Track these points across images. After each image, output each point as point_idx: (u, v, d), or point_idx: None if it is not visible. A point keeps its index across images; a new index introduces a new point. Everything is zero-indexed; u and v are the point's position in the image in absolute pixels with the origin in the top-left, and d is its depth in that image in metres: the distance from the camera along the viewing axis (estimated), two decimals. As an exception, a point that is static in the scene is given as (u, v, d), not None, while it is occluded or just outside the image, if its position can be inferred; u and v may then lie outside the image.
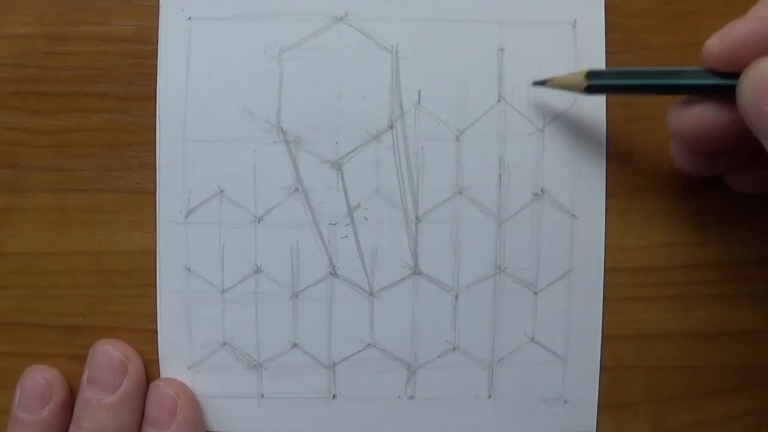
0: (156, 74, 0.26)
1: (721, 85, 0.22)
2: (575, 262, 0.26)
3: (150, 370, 0.27)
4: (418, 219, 0.26)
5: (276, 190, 0.26)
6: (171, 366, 0.27)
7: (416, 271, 0.27)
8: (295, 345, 0.27)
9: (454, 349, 0.27)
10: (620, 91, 0.25)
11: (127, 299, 0.27)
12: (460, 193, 0.26)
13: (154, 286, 0.27)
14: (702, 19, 0.26)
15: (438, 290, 0.27)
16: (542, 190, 0.26)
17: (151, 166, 0.26)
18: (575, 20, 0.26)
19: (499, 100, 0.26)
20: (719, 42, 0.21)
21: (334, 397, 0.27)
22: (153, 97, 0.26)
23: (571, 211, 0.26)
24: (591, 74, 0.24)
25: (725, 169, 0.25)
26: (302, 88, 0.26)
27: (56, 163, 0.27)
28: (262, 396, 0.27)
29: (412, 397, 0.27)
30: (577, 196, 0.26)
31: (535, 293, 0.27)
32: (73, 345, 0.27)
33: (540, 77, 0.26)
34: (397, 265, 0.27)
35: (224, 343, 0.27)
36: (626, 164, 0.27)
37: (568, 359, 0.27)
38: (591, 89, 0.24)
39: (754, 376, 0.27)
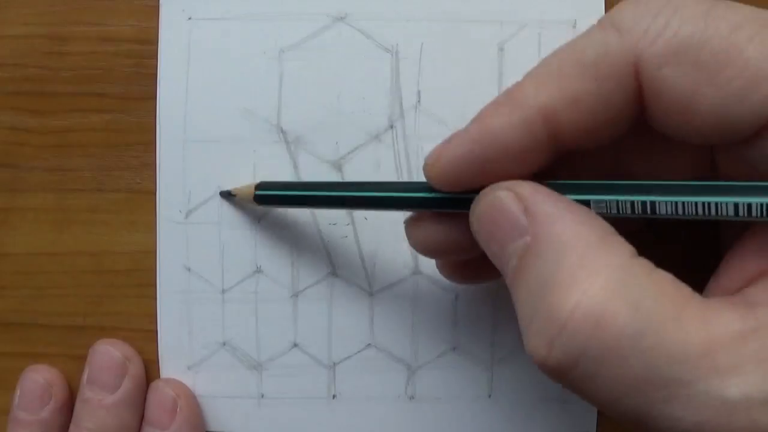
0: (156, 74, 0.26)
1: (446, 202, 0.20)
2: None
3: (150, 370, 0.27)
4: (418, 219, 0.26)
5: (276, 190, 0.26)
6: (171, 366, 0.27)
7: (416, 271, 0.27)
8: (295, 345, 0.27)
9: (454, 349, 0.27)
10: (293, 204, 0.25)
11: (127, 299, 0.27)
12: (460, 193, 0.26)
13: (154, 286, 0.27)
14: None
15: (438, 290, 0.27)
16: (542, 190, 0.26)
17: (151, 166, 0.26)
18: (575, 20, 0.26)
19: (499, 100, 0.26)
20: (433, 164, 0.20)
21: (334, 397, 0.27)
22: (153, 97, 0.26)
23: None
24: (260, 186, 0.24)
25: (491, 278, 0.23)
26: (302, 88, 0.26)
27: (56, 163, 0.27)
28: (262, 396, 0.27)
29: (412, 397, 0.27)
30: (577, 196, 0.26)
31: (535, 293, 0.27)
32: (73, 345, 0.27)
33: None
34: (397, 265, 0.27)
35: (224, 343, 0.27)
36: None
37: (568, 359, 0.27)
38: (258, 199, 0.24)
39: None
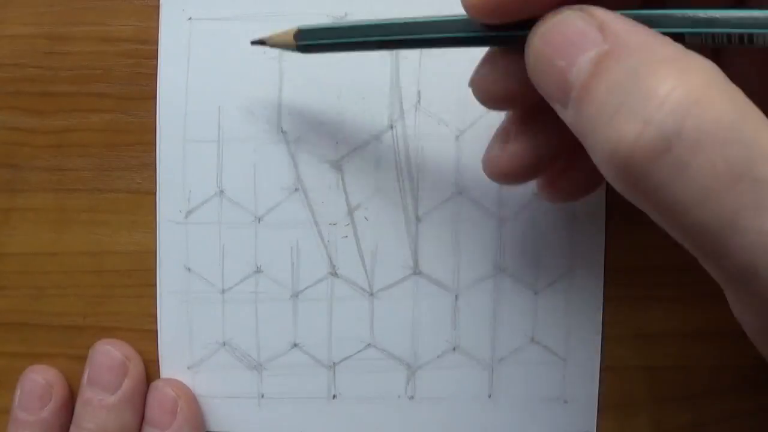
0: (156, 74, 0.26)
1: (486, 38, 0.19)
2: (575, 262, 0.26)
3: (150, 370, 0.27)
4: (418, 219, 0.26)
5: (276, 190, 0.26)
6: (171, 366, 0.27)
7: (416, 271, 0.27)
8: (295, 345, 0.27)
9: (454, 349, 0.27)
10: (342, 48, 0.23)
11: (127, 299, 0.27)
12: (460, 193, 0.26)
13: (154, 286, 0.27)
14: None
15: (438, 290, 0.27)
16: (542, 190, 0.26)
17: (151, 166, 0.26)
18: (575, 20, 0.26)
19: (499, 100, 0.26)
20: None
21: (334, 397, 0.27)
22: (153, 97, 0.26)
23: (571, 210, 0.26)
24: (302, 33, 0.22)
25: (540, 170, 0.22)
26: (302, 88, 0.26)
27: (56, 163, 0.27)
28: (262, 396, 0.27)
29: (412, 397, 0.27)
30: (577, 196, 0.26)
31: (535, 293, 0.27)
32: (73, 345, 0.27)
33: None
34: (397, 265, 0.27)
35: (224, 343, 0.27)
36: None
37: (568, 359, 0.27)
38: (302, 49, 0.22)
39: (754, 376, 0.27)
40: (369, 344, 0.27)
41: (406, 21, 0.21)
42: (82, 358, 0.26)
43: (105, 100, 0.26)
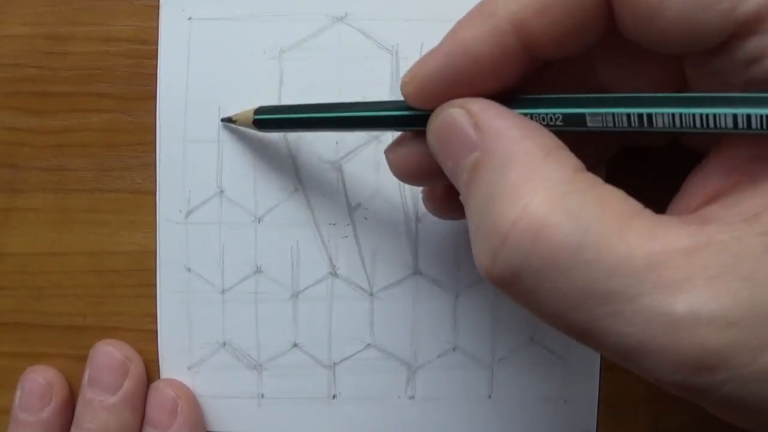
0: (156, 74, 0.26)
1: (413, 120, 0.20)
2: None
3: (150, 370, 0.27)
4: (418, 219, 0.26)
5: (276, 190, 0.26)
6: (171, 366, 0.27)
7: (416, 271, 0.27)
8: (295, 345, 0.27)
9: (454, 349, 0.27)
10: (293, 127, 0.24)
11: (127, 299, 0.27)
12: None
13: (154, 286, 0.27)
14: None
15: (438, 290, 0.27)
16: (542, 190, 0.26)
17: (151, 166, 0.26)
18: (575, 20, 0.26)
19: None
20: (410, 81, 0.19)
21: (334, 397, 0.27)
22: (153, 97, 0.26)
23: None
24: (259, 110, 0.24)
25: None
26: (302, 88, 0.26)
27: (56, 163, 0.27)
28: (262, 396, 0.27)
29: (412, 397, 0.27)
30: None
31: (535, 293, 0.27)
32: (73, 345, 0.27)
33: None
34: (397, 265, 0.27)
35: (224, 343, 0.27)
36: (626, 163, 0.27)
37: (568, 359, 0.27)
38: (258, 124, 0.24)
39: (754, 376, 0.27)
40: (369, 344, 0.27)
41: (350, 103, 0.22)
42: (82, 358, 0.26)
43: (105, 100, 0.26)
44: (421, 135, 0.20)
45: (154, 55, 0.26)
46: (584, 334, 0.16)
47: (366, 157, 0.26)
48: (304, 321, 0.27)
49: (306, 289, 0.27)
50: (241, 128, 0.26)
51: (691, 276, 0.15)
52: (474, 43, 0.18)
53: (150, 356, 0.27)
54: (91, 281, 0.27)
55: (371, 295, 0.27)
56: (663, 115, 0.17)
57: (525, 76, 0.19)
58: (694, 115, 0.16)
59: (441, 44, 0.19)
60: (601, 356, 0.27)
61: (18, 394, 0.26)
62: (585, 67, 0.20)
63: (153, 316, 0.27)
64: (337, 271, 0.27)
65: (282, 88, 0.26)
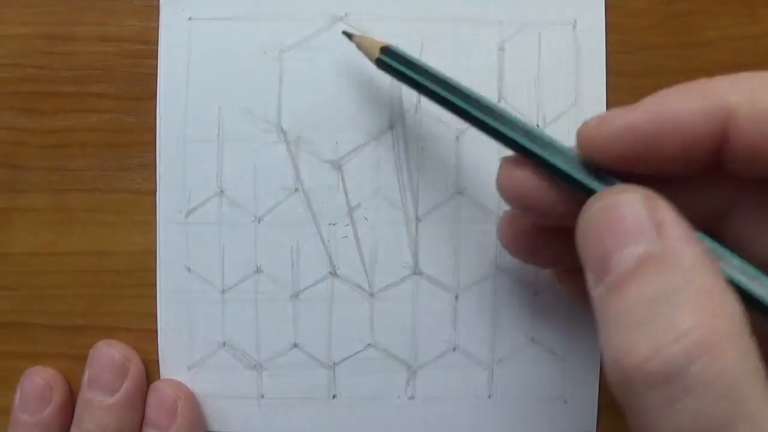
0: (156, 74, 0.26)
1: (568, 177, 0.19)
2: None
3: (150, 370, 0.27)
4: (418, 219, 0.26)
5: (276, 190, 0.26)
6: (171, 366, 0.27)
7: (416, 271, 0.27)
8: (295, 345, 0.27)
9: (454, 349, 0.27)
10: (411, 86, 0.22)
11: (127, 299, 0.27)
12: (460, 193, 0.26)
13: (154, 286, 0.27)
14: (702, 19, 0.26)
15: (438, 290, 0.27)
16: (542, 190, 0.26)
17: (151, 166, 0.26)
18: (575, 20, 0.26)
19: (499, 100, 0.26)
20: (599, 125, 0.18)
21: (334, 397, 0.27)
22: (153, 97, 0.26)
23: (571, 211, 0.26)
24: (386, 50, 0.23)
25: (552, 264, 0.23)
26: (302, 88, 0.26)
27: (56, 163, 0.27)
28: (262, 396, 0.27)
29: (412, 397, 0.27)
30: (577, 196, 0.26)
31: (535, 293, 0.27)
32: (73, 345, 0.27)
33: (538, 77, 0.26)
34: (397, 265, 0.27)
35: (224, 343, 0.27)
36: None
37: (568, 359, 0.27)
38: (379, 64, 0.23)
39: (754, 376, 0.27)
40: (369, 344, 0.27)
41: (508, 116, 0.20)
42: (82, 358, 0.26)
43: (105, 100, 0.26)
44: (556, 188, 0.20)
45: (154, 55, 0.26)
46: None
47: (366, 157, 0.26)
48: (304, 321, 0.27)
49: (306, 289, 0.27)
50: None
51: None
52: (684, 113, 0.18)
53: (150, 356, 0.27)
54: (91, 281, 0.27)
55: (371, 295, 0.27)
56: None
57: (692, 175, 0.19)
58: None
59: (641, 104, 0.18)
60: (601, 356, 0.27)
61: (18, 394, 0.26)
62: (725, 200, 0.20)
63: (153, 316, 0.27)
64: (337, 271, 0.27)
65: (282, 88, 0.26)
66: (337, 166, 0.26)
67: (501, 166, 0.21)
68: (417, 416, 0.27)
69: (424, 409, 0.27)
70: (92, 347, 0.26)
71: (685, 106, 0.18)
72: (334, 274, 0.27)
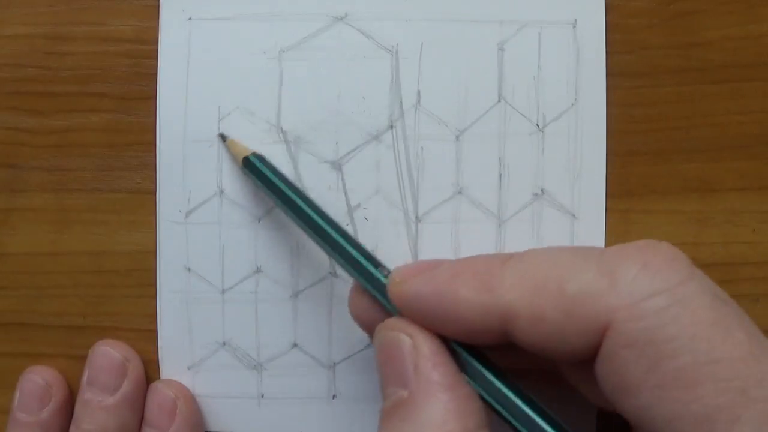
0: (156, 74, 0.26)
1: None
2: (575, 262, 0.26)
3: (150, 371, 0.27)
4: (418, 219, 0.26)
5: (276, 190, 0.26)
6: (171, 366, 0.27)
7: (416, 271, 0.27)
8: (295, 345, 0.27)
9: (454, 349, 0.27)
10: (267, 191, 0.25)
11: (127, 299, 0.27)
12: (460, 193, 0.26)
13: (154, 286, 0.27)
14: (702, 19, 0.26)
15: (438, 290, 0.27)
16: (542, 190, 0.26)
17: (151, 166, 0.26)
18: (575, 20, 0.26)
19: (499, 100, 0.26)
20: (398, 284, 0.21)
21: (334, 397, 0.27)
22: (153, 97, 0.26)
23: (571, 211, 0.26)
24: (254, 156, 0.25)
25: None
26: (302, 88, 0.26)
27: (56, 163, 0.27)
28: (262, 396, 0.27)
29: (412, 397, 0.27)
30: (577, 196, 0.26)
31: (535, 293, 0.27)
32: (73, 345, 0.27)
33: (538, 77, 0.26)
34: (397, 265, 0.26)
35: (224, 343, 0.27)
36: (626, 164, 0.27)
37: (568, 359, 0.27)
38: (246, 164, 0.25)
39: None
40: (369, 344, 0.27)
41: (338, 230, 0.23)
42: (82, 358, 0.26)
43: (105, 100, 0.26)
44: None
45: (154, 55, 0.26)
46: None
47: (366, 157, 0.26)
48: (304, 321, 0.27)
49: (306, 289, 0.27)
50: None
51: None
52: (464, 305, 0.19)
53: (150, 356, 0.27)
54: (91, 281, 0.27)
55: (371, 295, 0.27)
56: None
57: (492, 343, 0.20)
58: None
59: (438, 277, 0.20)
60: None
61: (17, 394, 0.26)
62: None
63: (153, 316, 0.27)
64: (337, 271, 0.27)
65: (282, 88, 0.26)
66: (337, 166, 0.26)
67: (350, 294, 0.23)
68: (417, 416, 0.27)
69: (424, 409, 0.27)
70: (91, 347, 0.26)
71: (467, 298, 0.19)
72: (334, 274, 0.27)
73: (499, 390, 0.20)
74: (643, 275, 0.17)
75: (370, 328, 0.22)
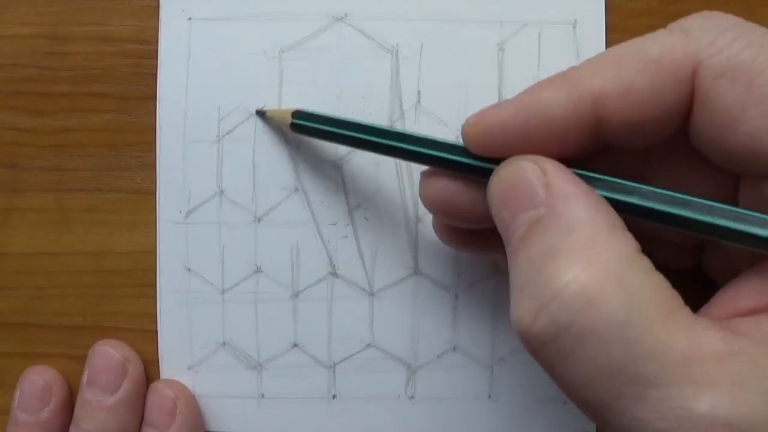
0: (156, 74, 0.26)
1: (472, 167, 0.20)
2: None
3: (150, 371, 0.27)
4: (418, 219, 0.26)
5: (276, 190, 0.26)
6: (171, 366, 0.27)
7: (416, 271, 0.27)
8: (295, 345, 0.27)
9: (454, 349, 0.27)
10: (333, 140, 0.24)
11: (127, 299, 0.27)
12: (460, 193, 0.26)
13: (154, 286, 0.27)
14: (702, 19, 0.26)
15: (438, 290, 0.27)
16: (542, 190, 0.26)
17: (151, 166, 0.26)
18: (575, 20, 0.26)
19: (499, 100, 0.26)
20: (475, 124, 0.19)
21: (334, 397, 0.27)
22: (153, 97, 0.26)
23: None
24: (297, 114, 0.24)
25: (487, 251, 0.23)
26: (302, 88, 0.26)
27: (56, 163, 0.27)
28: (262, 396, 0.27)
29: (412, 397, 0.27)
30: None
31: (535, 293, 0.27)
32: (73, 345, 0.27)
33: (538, 77, 0.26)
34: (397, 265, 0.27)
35: (224, 343, 0.27)
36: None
37: (568, 359, 0.27)
38: (294, 127, 0.24)
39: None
40: (369, 344, 0.27)
41: (403, 133, 0.22)
42: (82, 358, 0.26)
43: (105, 100, 0.26)
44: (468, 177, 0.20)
45: (154, 55, 0.26)
46: (603, 411, 0.16)
47: (366, 157, 0.26)
48: (304, 321, 0.27)
49: (306, 289, 0.27)
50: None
51: (718, 379, 0.15)
52: (551, 104, 0.19)
53: (150, 356, 0.27)
54: (91, 281, 0.27)
55: (371, 295, 0.27)
56: (699, 222, 0.18)
57: (583, 152, 0.19)
58: (723, 226, 0.17)
59: (515, 97, 0.19)
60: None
61: (17, 394, 0.26)
62: (640, 159, 0.21)
63: (153, 316, 0.27)
64: (337, 271, 0.27)
65: (282, 88, 0.26)
66: (337, 166, 0.26)
67: (421, 181, 0.22)
68: (417, 416, 0.27)
69: (424, 409, 0.27)
70: (91, 347, 0.26)
71: (553, 97, 0.19)
72: (334, 274, 0.27)
73: (632, 189, 0.18)
74: (709, 21, 0.18)
75: (446, 208, 0.21)
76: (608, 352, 0.16)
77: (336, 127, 0.23)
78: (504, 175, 0.19)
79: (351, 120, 0.23)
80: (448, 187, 0.21)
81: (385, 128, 0.22)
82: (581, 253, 0.16)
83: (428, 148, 0.21)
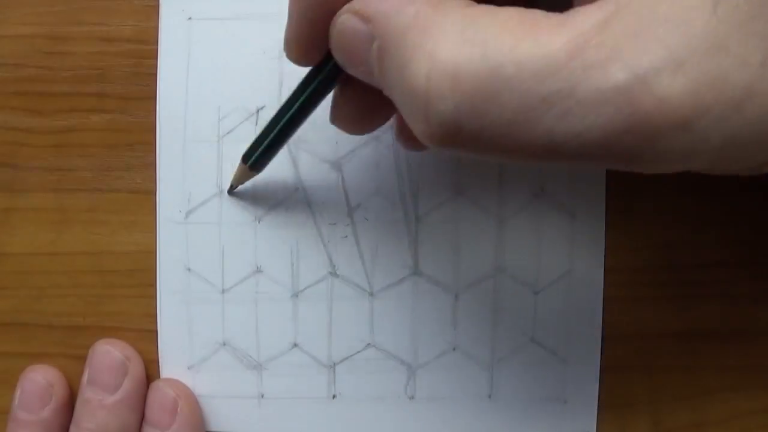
0: (156, 74, 0.26)
1: (326, 75, 0.21)
2: (575, 262, 0.26)
3: (150, 370, 0.27)
4: (418, 219, 0.26)
5: (276, 190, 0.26)
6: (171, 366, 0.27)
7: (416, 271, 0.27)
8: (295, 345, 0.27)
9: (454, 349, 0.27)
10: (274, 147, 0.24)
11: (127, 299, 0.27)
12: (460, 193, 0.26)
13: (154, 286, 0.27)
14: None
15: (438, 290, 0.27)
16: (542, 190, 0.26)
17: (151, 166, 0.26)
18: (575, 20, 0.26)
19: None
20: (288, 52, 0.20)
21: (334, 397, 0.27)
22: (153, 97, 0.26)
23: (571, 210, 0.26)
24: (244, 158, 0.25)
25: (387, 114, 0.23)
26: (302, 88, 0.26)
27: (56, 163, 0.27)
28: (262, 396, 0.27)
29: (412, 397, 0.27)
30: (577, 196, 0.26)
31: (535, 293, 0.27)
32: (73, 345, 0.27)
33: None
34: (397, 265, 0.27)
35: (224, 343, 0.27)
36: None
37: (568, 359, 0.27)
38: (254, 166, 0.25)
39: (754, 376, 0.27)
40: (369, 344, 0.27)
41: (286, 101, 0.23)
42: (82, 358, 0.26)
43: (105, 100, 0.26)
44: (345, 86, 0.21)
45: (154, 55, 0.26)
46: (548, 151, 0.15)
47: (366, 157, 0.26)
48: (304, 321, 0.27)
49: (306, 289, 0.27)
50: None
51: (615, 44, 0.14)
52: None
53: (150, 356, 0.27)
54: (91, 281, 0.27)
55: (371, 295, 0.27)
56: None
57: None
58: None
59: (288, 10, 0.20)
60: (601, 356, 0.27)
61: (18, 393, 0.26)
62: None
63: (153, 316, 0.27)
64: (337, 271, 0.27)
65: (282, 89, 0.26)
66: (337, 166, 0.26)
67: (334, 123, 0.22)
68: (417, 416, 0.27)
69: (424, 409, 0.27)
70: (92, 346, 0.26)
71: None
72: (334, 274, 0.27)
73: None
74: None
75: (365, 121, 0.22)
76: (504, 103, 0.15)
77: (267, 135, 0.24)
78: (334, 42, 0.19)
79: (269, 120, 0.23)
80: (349, 107, 0.22)
81: (281, 108, 0.23)
82: (421, 44, 0.16)
83: (299, 97, 0.22)
